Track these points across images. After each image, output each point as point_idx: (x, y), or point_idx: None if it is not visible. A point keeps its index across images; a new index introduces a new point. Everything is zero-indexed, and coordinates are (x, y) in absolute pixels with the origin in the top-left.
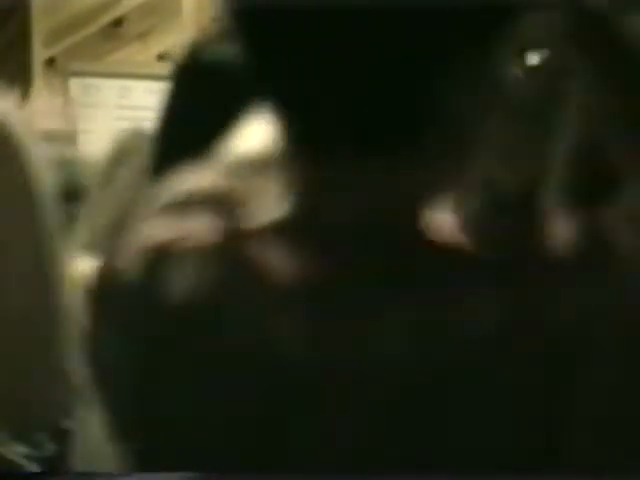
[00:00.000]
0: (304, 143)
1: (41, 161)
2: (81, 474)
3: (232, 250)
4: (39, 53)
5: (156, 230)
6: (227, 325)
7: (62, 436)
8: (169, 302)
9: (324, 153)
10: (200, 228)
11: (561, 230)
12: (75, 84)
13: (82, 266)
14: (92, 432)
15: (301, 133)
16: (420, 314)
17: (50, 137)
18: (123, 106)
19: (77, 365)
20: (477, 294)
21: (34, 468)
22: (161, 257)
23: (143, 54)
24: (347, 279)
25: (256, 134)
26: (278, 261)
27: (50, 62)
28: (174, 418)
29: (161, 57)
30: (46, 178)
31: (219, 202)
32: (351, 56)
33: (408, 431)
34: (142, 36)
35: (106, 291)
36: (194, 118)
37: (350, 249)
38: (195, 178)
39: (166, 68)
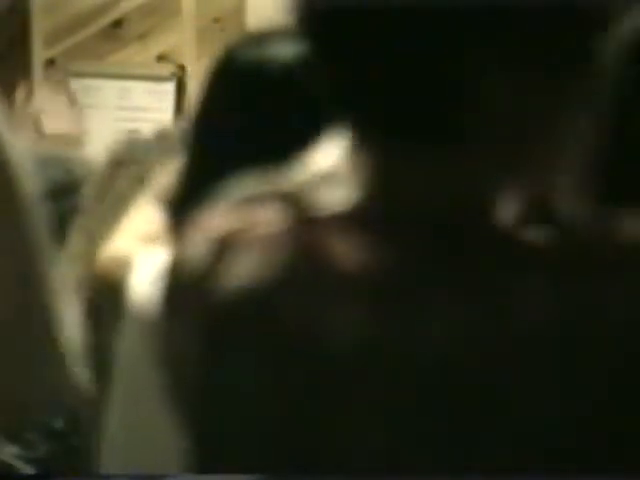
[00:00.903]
0: (371, 135)
1: (26, 168)
2: (80, 475)
3: (298, 238)
4: (39, 54)
5: (223, 221)
6: (290, 314)
7: (56, 437)
8: (235, 291)
9: (391, 144)
10: (267, 218)
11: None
12: (75, 85)
13: (118, 246)
14: (90, 432)
15: (368, 125)
16: (484, 307)
17: (56, 140)
18: (123, 107)
19: (72, 366)
20: (535, 286)
21: (28, 469)
22: (227, 246)
23: (143, 55)
24: (410, 269)
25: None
26: (343, 250)
27: (50, 63)
28: (234, 416)
29: (161, 58)
30: (32, 185)
31: (285, 198)
32: (416, 53)
33: (457, 426)
34: (142, 37)
35: (176, 281)
36: (229, 122)
37: (414, 239)
38: (260, 185)
39: (166, 69)
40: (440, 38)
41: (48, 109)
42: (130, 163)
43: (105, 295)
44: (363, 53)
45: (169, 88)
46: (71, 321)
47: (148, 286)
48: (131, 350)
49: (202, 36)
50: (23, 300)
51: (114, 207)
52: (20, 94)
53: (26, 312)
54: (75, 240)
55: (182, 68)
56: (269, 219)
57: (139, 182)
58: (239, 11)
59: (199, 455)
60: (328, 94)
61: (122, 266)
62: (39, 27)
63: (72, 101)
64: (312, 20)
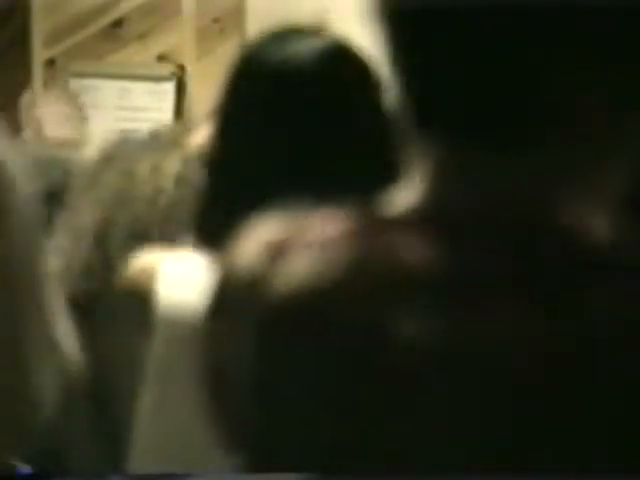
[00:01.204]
0: (441, 135)
1: (22, 175)
2: (79, 474)
3: (359, 240)
4: (39, 54)
5: (278, 227)
6: (349, 317)
7: (52, 437)
8: (295, 293)
9: (459, 145)
10: (326, 221)
11: None
12: (75, 85)
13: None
14: (83, 432)
15: (439, 126)
16: (549, 307)
17: (57, 144)
18: (123, 107)
19: (67, 366)
20: (600, 288)
21: (27, 469)
22: (285, 250)
23: (143, 55)
24: (474, 270)
25: None
26: (406, 251)
27: (50, 63)
28: (286, 416)
29: (161, 58)
30: (27, 192)
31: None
32: (493, 53)
33: (521, 428)
34: (142, 37)
35: (226, 289)
36: (253, 123)
37: (478, 241)
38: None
39: (166, 69)
40: (516, 39)
41: (50, 114)
42: (119, 159)
43: (134, 304)
44: (442, 52)
45: (169, 88)
46: (64, 326)
47: (178, 291)
48: (164, 354)
49: (202, 36)
50: (11, 297)
51: (101, 201)
52: (25, 98)
53: (23, 311)
54: (61, 235)
55: (182, 68)
56: (329, 222)
57: (127, 176)
58: (239, 11)
59: (243, 456)
60: (404, 94)
61: (150, 276)
62: (39, 27)
63: (74, 106)
64: (395, 19)
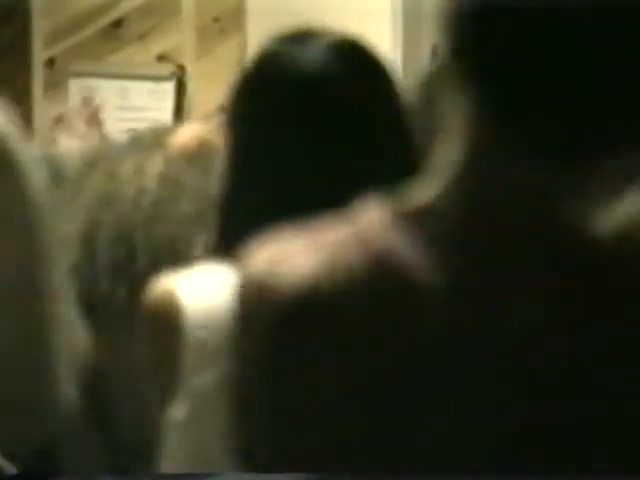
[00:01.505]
0: (490, 131)
1: (34, 167)
2: (77, 475)
3: (385, 231)
4: (39, 54)
5: (291, 234)
6: (372, 311)
7: (49, 437)
8: (305, 299)
9: (489, 143)
10: (340, 222)
11: None
12: (75, 85)
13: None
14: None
15: (494, 122)
16: (562, 306)
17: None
18: (123, 107)
19: (64, 369)
20: (612, 288)
21: (26, 469)
22: (295, 258)
23: (143, 55)
24: (495, 263)
25: None
26: (428, 242)
27: (50, 63)
28: (305, 419)
29: (161, 58)
30: (39, 181)
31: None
32: (562, 55)
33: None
34: (142, 37)
35: (241, 299)
36: (273, 129)
37: (500, 235)
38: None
39: (166, 69)
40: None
41: (66, 128)
42: (102, 161)
43: (162, 327)
44: (509, 54)
45: (169, 88)
46: (72, 323)
47: (203, 305)
48: (194, 369)
49: (202, 36)
50: (18, 302)
51: (86, 203)
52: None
53: (26, 314)
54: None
55: (182, 68)
56: (343, 224)
57: (110, 177)
58: (239, 11)
59: (256, 456)
60: (468, 91)
61: (172, 296)
62: (39, 27)
63: (92, 122)
64: (467, 19)
